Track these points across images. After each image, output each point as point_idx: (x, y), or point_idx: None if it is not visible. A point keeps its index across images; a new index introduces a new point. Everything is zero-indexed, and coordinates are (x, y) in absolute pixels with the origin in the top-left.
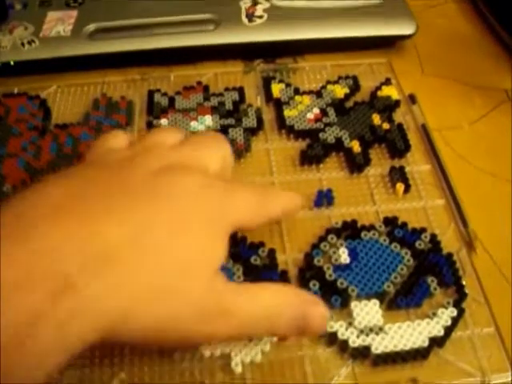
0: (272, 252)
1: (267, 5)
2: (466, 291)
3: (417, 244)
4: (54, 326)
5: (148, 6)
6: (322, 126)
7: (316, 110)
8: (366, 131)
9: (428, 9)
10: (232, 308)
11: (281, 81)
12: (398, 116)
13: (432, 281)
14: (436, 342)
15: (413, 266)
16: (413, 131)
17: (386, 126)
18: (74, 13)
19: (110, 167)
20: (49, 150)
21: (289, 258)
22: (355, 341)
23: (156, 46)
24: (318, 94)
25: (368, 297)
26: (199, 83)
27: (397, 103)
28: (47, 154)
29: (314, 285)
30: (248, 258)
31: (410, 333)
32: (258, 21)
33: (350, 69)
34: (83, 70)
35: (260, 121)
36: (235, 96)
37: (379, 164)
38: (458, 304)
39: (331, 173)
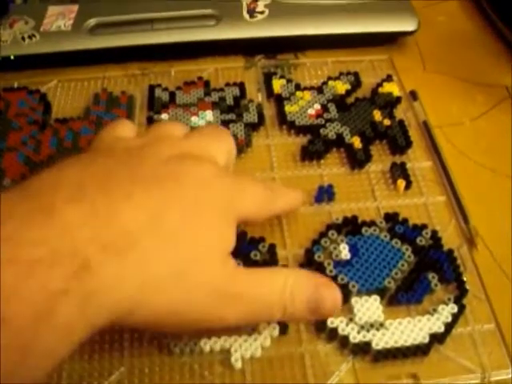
0: (272, 247)
1: (268, 0)
2: (467, 287)
3: (418, 240)
4: (75, 304)
5: (149, 0)
6: (323, 122)
7: (317, 106)
8: (367, 127)
9: (430, 6)
10: (244, 291)
11: (282, 76)
12: (399, 112)
13: (433, 277)
14: (436, 338)
15: (413, 262)
16: (414, 128)
17: (387, 122)
18: (75, 7)
19: (119, 155)
20: (49, 145)
21: (289, 253)
22: (356, 337)
23: (157, 41)
24: (319, 89)
25: (369, 293)
26: (200, 78)
27: (398, 100)
28: (47, 148)
29: None
30: (248, 254)
31: (410, 329)
32: (260, 16)
33: (352, 65)
34: (84, 65)
35: (261, 116)
36: (236, 91)
37: (380, 160)
38: (458, 300)
39: (332, 169)
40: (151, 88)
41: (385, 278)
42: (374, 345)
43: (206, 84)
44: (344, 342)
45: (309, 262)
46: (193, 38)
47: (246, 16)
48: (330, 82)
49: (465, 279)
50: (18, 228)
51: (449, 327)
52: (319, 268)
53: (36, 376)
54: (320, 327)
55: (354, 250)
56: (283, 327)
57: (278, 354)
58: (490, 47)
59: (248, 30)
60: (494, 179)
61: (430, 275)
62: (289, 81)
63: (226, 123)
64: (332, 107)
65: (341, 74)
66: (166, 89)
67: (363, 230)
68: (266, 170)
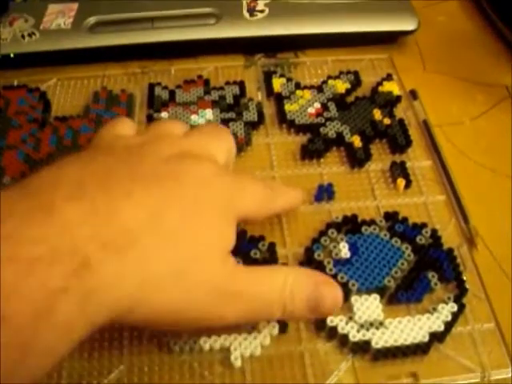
0: (272, 246)
1: None
2: (467, 286)
3: (417, 239)
4: (75, 302)
5: None
6: (323, 121)
7: (317, 105)
8: (367, 126)
9: (430, 6)
10: (244, 290)
11: (282, 75)
12: (399, 111)
13: (432, 276)
14: (436, 337)
15: (413, 260)
16: (414, 127)
17: (386, 121)
18: (75, 5)
19: (119, 153)
20: (48, 143)
21: (289, 252)
22: (355, 335)
23: (157, 39)
24: (319, 88)
25: (368, 291)
26: (200, 77)
27: (398, 99)
28: (47, 146)
29: None
30: (248, 252)
31: (410, 328)
32: (260, 15)
33: (352, 64)
34: (83, 63)
35: (261, 115)
36: (236, 90)
37: (380, 159)
38: (458, 299)
39: (332, 167)
40: (151, 86)
41: (384, 277)
42: (373, 344)
43: (206, 82)
44: (344, 340)
45: (309, 260)
46: (193, 36)
47: (246, 15)
48: (330, 81)
49: (464, 278)
50: (17, 226)
51: (448, 326)
52: (319, 267)
53: (36, 374)
54: (320, 326)
55: (353, 248)
56: (283, 326)
57: (278, 353)
58: (490, 47)
59: (248, 28)
60: (494, 179)
61: (430, 274)
62: (289, 79)
63: (225, 122)
64: (332, 106)
65: (341, 72)
66: (165, 87)
67: (363, 228)
68: (266, 168)
